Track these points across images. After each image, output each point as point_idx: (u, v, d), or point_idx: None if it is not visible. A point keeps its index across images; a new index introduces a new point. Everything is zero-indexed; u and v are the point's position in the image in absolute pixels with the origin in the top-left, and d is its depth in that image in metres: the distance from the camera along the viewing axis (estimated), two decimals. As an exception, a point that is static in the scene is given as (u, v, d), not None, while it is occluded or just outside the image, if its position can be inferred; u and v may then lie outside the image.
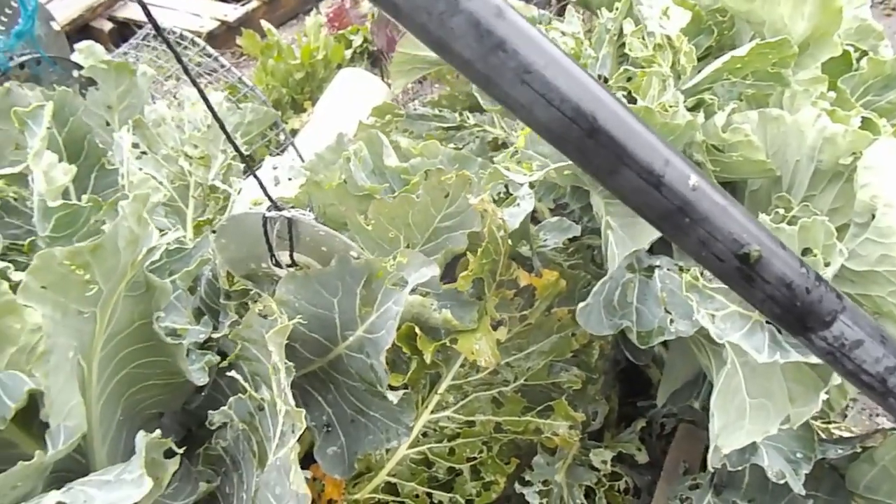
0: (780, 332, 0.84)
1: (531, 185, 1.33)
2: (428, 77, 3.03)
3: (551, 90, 0.43)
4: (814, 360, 0.78)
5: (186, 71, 0.92)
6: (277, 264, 1.12)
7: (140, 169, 1.53)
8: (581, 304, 1.20)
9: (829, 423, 1.85)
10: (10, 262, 1.14)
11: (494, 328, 1.23)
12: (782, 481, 1.10)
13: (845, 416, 1.97)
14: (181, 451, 0.90)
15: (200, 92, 0.93)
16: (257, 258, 1.14)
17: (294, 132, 3.26)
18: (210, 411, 1.05)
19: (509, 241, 1.24)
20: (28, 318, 0.85)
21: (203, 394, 1.18)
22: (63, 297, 0.75)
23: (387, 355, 1.03)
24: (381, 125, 2.14)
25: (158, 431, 0.84)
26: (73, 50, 2.05)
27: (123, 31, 4.40)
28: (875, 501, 1.23)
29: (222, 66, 3.08)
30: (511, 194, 1.44)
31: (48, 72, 1.88)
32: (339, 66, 3.70)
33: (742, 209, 0.52)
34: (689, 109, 1.27)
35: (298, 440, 0.86)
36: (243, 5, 4.65)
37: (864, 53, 1.49)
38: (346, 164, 1.33)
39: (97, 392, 0.91)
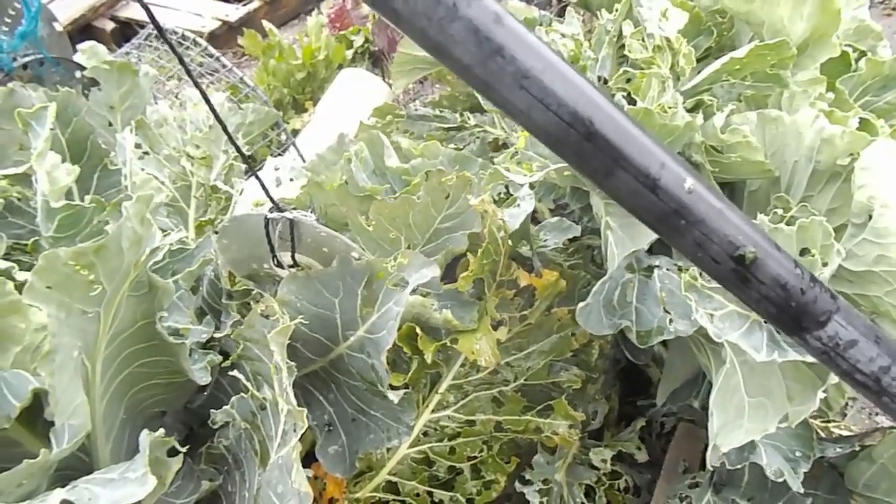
0: (778, 331, 0.84)
1: (531, 186, 1.34)
2: (429, 77, 3.04)
3: (549, 95, 0.44)
4: (811, 359, 0.78)
5: (189, 72, 0.93)
6: (279, 265, 1.13)
7: (142, 169, 1.54)
8: (581, 304, 1.20)
9: (829, 421, 1.85)
10: (14, 261, 1.15)
11: (494, 328, 1.24)
12: (781, 479, 1.11)
13: (845, 414, 1.97)
14: (184, 449, 0.90)
15: (202, 93, 0.94)
16: (259, 259, 1.15)
17: (295, 132, 3.26)
18: (212, 410, 1.06)
19: (509, 242, 1.24)
20: (33, 317, 0.86)
21: (205, 393, 1.19)
22: (67, 297, 0.76)
23: (388, 355, 1.04)
24: (381, 126, 2.15)
25: (162, 430, 0.85)
26: (75, 50, 2.06)
27: (125, 31, 4.41)
28: (874, 499, 1.24)
29: (224, 66, 3.08)
30: (511, 195, 1.45)
31: (51, 72, 1.89)
32: (341, 67, 3.70)
33: (737, 211, 0.53)
34: (689, 110, 1.27)
35: (300, 439, 0.87)
36: (245, 5, 4.66)
37: (863, 54, 1.49)
38: (347, 165, 1.34)
39: (101, 391, 0.92)
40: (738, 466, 1.16)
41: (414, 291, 1.07)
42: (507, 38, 0.43)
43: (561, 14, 2.32)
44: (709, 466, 1.11)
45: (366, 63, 3.88)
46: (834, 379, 0.89)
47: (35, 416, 0.87)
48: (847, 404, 1.97)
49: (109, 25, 4.51)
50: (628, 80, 1.25)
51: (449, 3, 0.41)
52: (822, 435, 1.70)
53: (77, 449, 0.87)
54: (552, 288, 1.31)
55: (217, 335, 1.20)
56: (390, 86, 3.08)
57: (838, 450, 1.26)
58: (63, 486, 0.79)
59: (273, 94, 3.55)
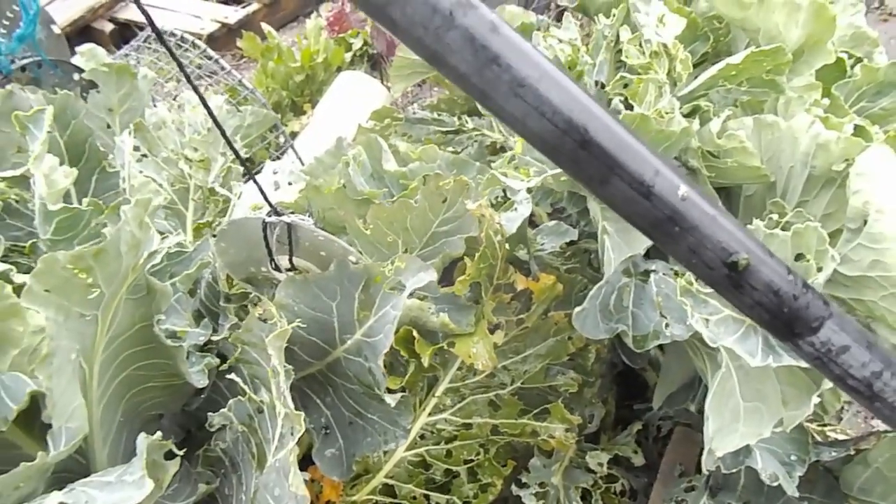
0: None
1: (528, 191, 1.35)
2: (427, 80, 3.05)
3: (544, 103, 0.45)
4: (806, 364, 0.79)
5: (187, 76, 0.93)
6: (277, 268, 1.13)
7: (140, 172, 1.54)
8: (577, 309, 1.21)
9: (825, 425, 1.86)
10: (12, 263, 1.16)
11: (491, 332, 1.24)
12: (776, 483, 1.11)
13: (841, 418, 1.98)
14: (181, 452, 0.91)
15: (200, 96, 0.94)
16: (257, 262, 1.16)
17: (294, 134, 3.27)
18: (209, 413, 1.07)
19: (507, 246, 1.25)
20: (31, 320, 0.86)
21: (203, 396, 1.19)
22: (66, 301, 0.76)
23: (385, 358, 1.04)
24: (380, 129, 2.16)
25: (159, 433, 0.85)
26: (73, 53, 2.06)
27: (124, 33, 4.41)
28: (869, 503, 1.24)
29: (223, 68, 3.09)
30: (509, 199, 1.46)
31: (49, 75, 1.89)
32: (339, 69, 3.71)
33: (731, 218, 0.54)
34: (685, 116, 1.28)
35: (297, 442, 0.87)
36: (244, 7, 4.67)
37: (859, 60, 1.51)
38: (344, 169, 1.34)
39: (98, 394, 0.92)
40: (734, 470, 1.16)
41: (411, 295, 1.08)
42: (502, 47, 0.43)
43: (559, 19, 2.33)
44: (704, 470, 1.12)
45: (364, 66, 3.89)
46: (828, 384, 0.90)
47: (32, 418, 0.87)
48: (843, 408, 1.97)
49: (108, 27, 4.52)
50: (625, 86, 1.26)
51: (445, 13, 0.41)
52: (819, 439, 1.71)
53: (74, 452, 0.87)
54: (549, 292, 1.32)
55: (215, 338, 1.20)
56: (389, 89, 3.09)
57: (833, 454, 1.26)
58: (60, 489, 0.79)
59: (272, 97, 3.56)
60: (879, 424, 1.99)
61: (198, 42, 3.17)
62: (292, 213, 1.05)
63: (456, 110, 2.26)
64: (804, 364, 0.73)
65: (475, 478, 1.31)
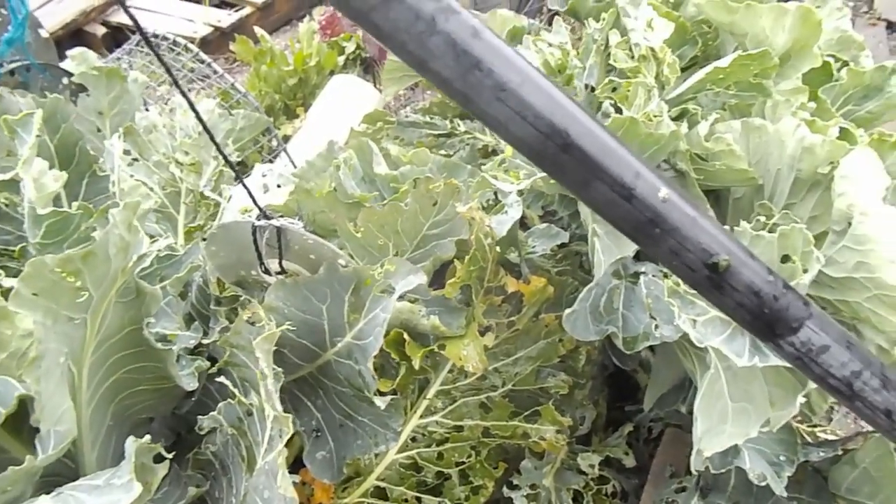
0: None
1: (519, 193, 1.35)
2: (420, 84, 3.06)
3: (526, 107, 0.45)
4: (791, 364, 0.80)
5: (175, 81, 0.93)
6: (267, 271, 1.13)
7: (131, 176, 1.54)
8: (567, 311, 1.22)
9: (815, 426, 1.87)
10: (1, 267, 1.16)
11: (482, 334, 1.24)
12: (764, 483, 1.12)
13: (830, 419, 1.99)
14: (171, 455, 0.91)
15: (189, 102, 0.95)
16: (247, 265, 1.16)
17: (286, 138, 3.27)
18: (199, 416, 1.07)
19: (497, 248, 1.25)
20: (19, 323, 0.86)
21: (193, 399, 1.19)
22: (54, 304, 0.76)
23: (376, 361, 1.04)
24: (372, 132, 2.16)
25: (148, 436, 0.85)
26: (61, 57, 2.06)
27: (117, 36, 4.40)
28: (857, 503, 1.25)
29: (215, 71, 3.09)
30: (500, 202, 1.46)
31: (38, 78, 1.89)
32: (332, 73, 3.71)
33: (712, 220, 0.54)
34: (674, 119, 1.29)
35: (289, 445, 0.87)
36: (237, 11, 4.66)
37: (846, 64, 1.52)
38: (335, 172, 1.35)
39: (87, 397, 0.92)
40: (723, 471, 1.17)
41: (402, 298, 1.08)
42: (484, 52, 0.44)
43: (551, 22, 2.34)
44: (693, 471, 1.12)
45: (357, 69, 3.89)
46: (814, 384, 0.91)
47: (20, 422, 0.87)
48: (832, 409, 1.99)
49: (101, 30, 4.50)
50: (614, 90, 1.27)
51: (428, 18, 0.42)
52: (809, 439, 1.72)
53: (63, 455, 0.87)
54: (540, 294, 1.32)
55: (205, 341, 1.20)
56: (381, 92, 3.10)
57: (822, 454, 1.27)
58: (48, 493, 0.79)
59: (264, 100, 3.56)
60: (867, 425, 2.00)
61: (190, 46, 3.17)
62: (282, 216, 1.06)
63: (448, 114, 2.26)
64: (789, 364, 0.74)
65: (467, 480, 1.32)
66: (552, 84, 0.46)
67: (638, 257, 1.31)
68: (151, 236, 1.25)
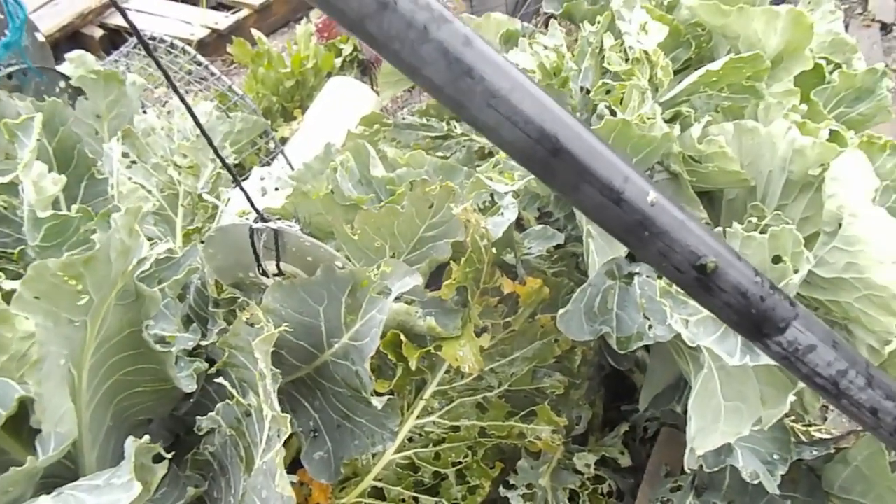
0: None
1: (515, 195, 1.37)
2: (416, 86, 3.06)
3: (516, 113, 0.47)
4: (782, 364, 0.81)
5: (173, 85, 0.95)
6: (264, 273, 1.14)
7: (129, 178, 1.55)
8: (562, 311, 1.23)
9: (810, 426, 1.89)
10: (0, 270, 1.16)
11: (478, 335, 1.25)
12: (756, 481, 1.13)
13: (825, 418, 2.00)
14: (169, 456, 0.92)
15: (187, 106, 0.96)
16: (245, 267, 1.17)
17: (284, 140, 3.28)
18: (198, 417, 1.07)
19: (493, 250, 1.27)
20: (19, 326, 0.87)
21: (191, 400, 1.20)
22: (55, 307, 0.77)
23: (373, 362, 1.06)
24: (369, 134, 2.17)
25: (147, 437, 0.86)
26: (58, 60, 2.07)
27: (114, 39, 4.40)
28: (849, 501, 1.26)
29: (213, 74, 3.10)
30: (496, 203, 1.47)
31: (35, 82, 1.90)
32: (329, 75, 3.72)
33: (699, 222, 0.56)
34: (668, 121, 1.31)
35: (286, 445, 0.88)
36: (234, 13, 4.67)
37: (838, 66, 1.54)
38: (332, 174, 1.36)
39: (87, 399, 0.93)
40: (716, 469, 1.18)
41: (398, 299, 1.09)
42: (475, 60, 0.45)
43: (547, 25, 2.36)
44: (687, 469, 1.14)
45: (354, 71, 3.90)
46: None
47: (20, 424, 0.88)
48: (827, 408, 2.00)
49: (98, 33, 4.51)
50: (608, 92, 1.28)
51: (420, 27, 0.43)
52: (803, 438, 1.73)
53: (63, 456, 0.88)
54: (536, 295, 1.33)
55: (203, 343, 1.21)
56: (378, 94, 3.11)
57: (815, 452, 1.29)
58: (48, 493, 0.80)
59: (262, 102, 3.56)
60: (862, 424, 2.02)
61: (188, 48, 3.17)
62: (279, 219, 1.07)
63: (444, 115, 2.27)
64: (777, 363, 0.75)
65: (463, 480, 1.33)
66: (542, 90, 0.47)
67: (632, 258, 1.32)
68: (150, 239, 1.26)
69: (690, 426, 1.07)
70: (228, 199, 1.48)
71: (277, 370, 0.94)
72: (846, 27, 3.77)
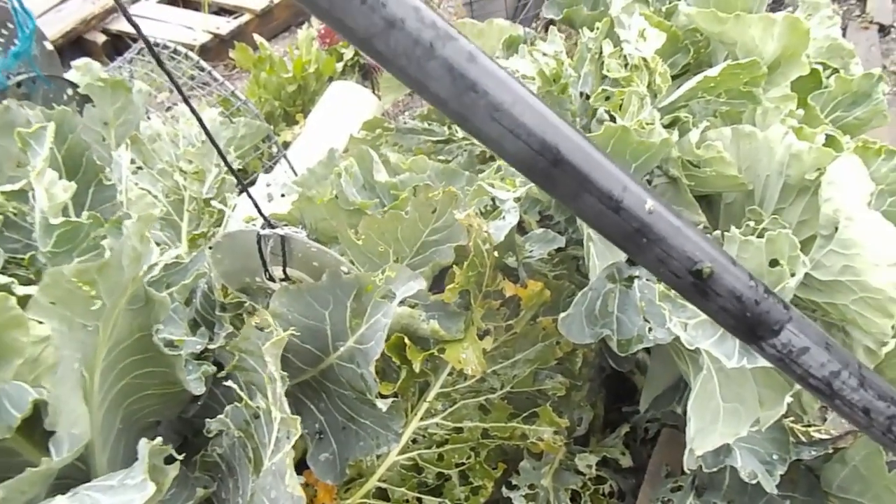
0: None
1: (517, 199, 1.39)
2: (418, 90, 3.07)
3: (519, 126, 0.49)
4: (778, 365, 0.83)
5: (181, 92, 0.97)
6: (271, 278, 1.16)
7: (136, 184, 1.57)
8: (563, 314, 1.25)
9: (809, 426, 1.90)
10: (10, 276, 1.18)
11: (481, 338, 1.27)
12: (755, 481, 1.15)
13: (824, 418, 2.02)
14: (181, 457, 0.94)
15: (194, 111, 0.98)
16: (251, 272, 1.19)
17: (286, 144, 3.30)
18: (207, 419, 1.09)
19: (495, 254, 1.29)
20: (33, 330, 0.89)
21: (199, 403, 1.22)
22: (69, 312, 0.79)
23: (377, 365, 1.07)
24: (371, 139, 2.19)
25: (159, 439, 0.88)
26: (64, 67, 2.09)
27: (117, 44, 4.44)
28: (848, 500, 1.28)
29: (215, 79, 3.12)
30: (498, 207, 1.49)
31: (43, 90, 1.92)
32: (331, 79, 3.75)
33: (696, 229, 0.58)
34: (666, 127, 1.33)
35: (292, 447, 0.90)
36: (236, 18, 4.70)
37: (835, 71, 1.56)
38: (336, 180, 1.38)
39: (98, 401, 0.95)
40: (715, 469, 1.20)
41: (402, 303, 1.11)
42: (479, 75, 0.47)
43: (547, 30, 2.38)
44: (686, 470, 1.15)
45: (356, 76, 3.93)
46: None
47: (34, 426, 0.90)
48: (826, 409, 2.01)
49: (101, 38, 4.54)
50: (607, 98, 1.30)
51: (426, 44, 0.45)
52: (802, 439, 1.75)
53: (76, 458, 0.90)
54: (537, 298, 1.35)
55: (211, 346, 1.23)
56: (380, 98, 3.13)
57: (813, 452, 1.30)
58: (62, 494, 0.82)
59: (264, 107, 3.59)
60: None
61: (190, 53, 3.19)
62: (286, 225, 1.09)
63: (446, 120, 2.29)
64: (772, 365, 0.77)
65: (466, 480, 1.34)
66: (543, 103, 0.49)
67: (632, 262, 1.34)
68: (157, 244, 1.28)
69: (690, 427, 1.08)
70: (235, 206, 1.50)
71: (285, 373, 0.96)
72: (844, 29, 3.79)
